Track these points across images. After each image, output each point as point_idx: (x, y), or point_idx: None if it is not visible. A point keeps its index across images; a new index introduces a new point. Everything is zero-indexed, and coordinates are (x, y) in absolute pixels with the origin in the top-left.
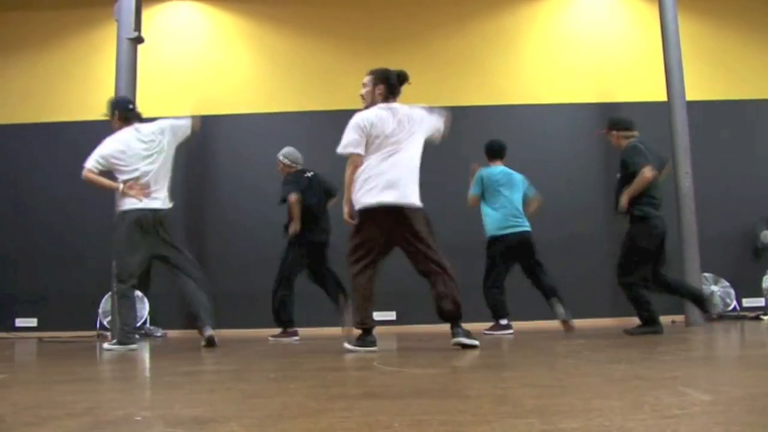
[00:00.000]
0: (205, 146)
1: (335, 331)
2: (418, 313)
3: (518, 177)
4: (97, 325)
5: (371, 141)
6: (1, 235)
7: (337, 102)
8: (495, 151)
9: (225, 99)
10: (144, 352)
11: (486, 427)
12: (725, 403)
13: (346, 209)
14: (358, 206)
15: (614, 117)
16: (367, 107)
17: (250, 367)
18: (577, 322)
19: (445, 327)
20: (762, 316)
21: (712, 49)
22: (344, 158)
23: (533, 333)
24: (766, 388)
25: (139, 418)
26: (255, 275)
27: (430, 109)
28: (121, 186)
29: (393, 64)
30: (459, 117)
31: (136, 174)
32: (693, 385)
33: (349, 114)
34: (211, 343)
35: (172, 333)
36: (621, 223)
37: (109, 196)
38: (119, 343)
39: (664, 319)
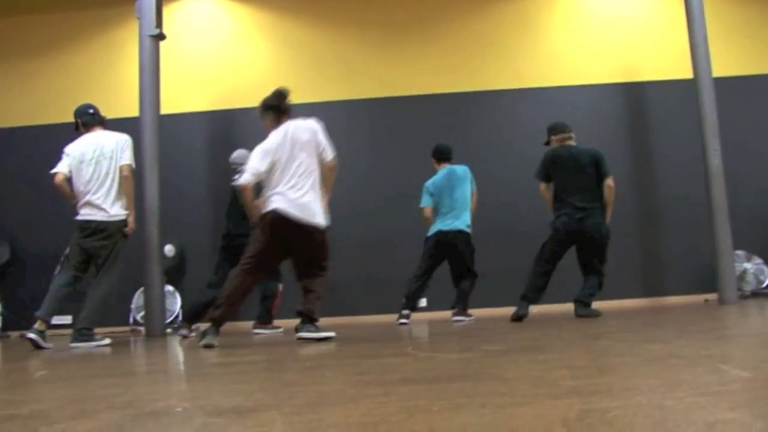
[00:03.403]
0: (228, 139)
1: (366, 319)
2: (449, 300)
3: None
4: (131, 321)
5: None
6: (32, 234)
7: (357, 91)
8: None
9: (246, 91)
10: (178, 345)
11: (526, 408)
12: (766, 380)
13: None
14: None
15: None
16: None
17: (284, 357)
18: (608, 304)
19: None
20: None
21: (738, 22)
22: (360, 145)
23: (564, 316)
24: None
25: (179, 409)
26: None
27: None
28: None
29: (412, 50)
30: (484, 101)
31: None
32: (730, 363)
33: (369, 102)
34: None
35: (204, 327)
36: (650, 203)
37: (138, 194)
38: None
39: (696, 298)
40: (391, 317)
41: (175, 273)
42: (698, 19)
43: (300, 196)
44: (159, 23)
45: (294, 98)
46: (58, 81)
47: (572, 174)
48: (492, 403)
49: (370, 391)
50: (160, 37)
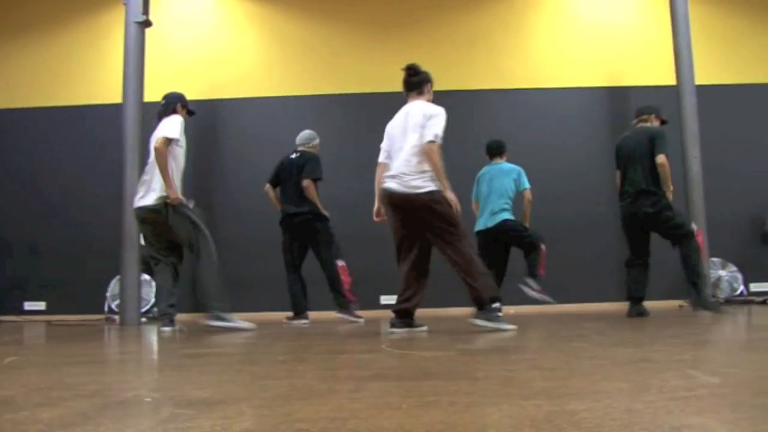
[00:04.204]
0: (213, 129)
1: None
2: (426, 297)
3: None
4: (105, 309)
5: None
6: (9, 220)
7: (345, 86)
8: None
9: (233, 82)
10: (152, 335)
11: (494, 408)
12: (733, 386)
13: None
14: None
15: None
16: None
17: (258, 350)
18: (584, 306)
19: (456, 310)
20: None
21: (723, 32)
22: (348, 139)
23: (540, 317)
24: None
25: (148, 400)
26: (263, 258)
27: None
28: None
29: (401, 48)
30: (468, 101)
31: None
32: (701, 368)
33: (357, 97)
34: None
35: (181, 316)
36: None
37: (117, 181)
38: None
39: (671, 304)
40: (373, 312)
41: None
42: (683, 27)
43: (398, 173)
44: (146, 10)
45: (281, 90)
46: (38, 63)
47: (628, 159)
48: (461, 402)
49: (342, 386)
50: (147, 23)
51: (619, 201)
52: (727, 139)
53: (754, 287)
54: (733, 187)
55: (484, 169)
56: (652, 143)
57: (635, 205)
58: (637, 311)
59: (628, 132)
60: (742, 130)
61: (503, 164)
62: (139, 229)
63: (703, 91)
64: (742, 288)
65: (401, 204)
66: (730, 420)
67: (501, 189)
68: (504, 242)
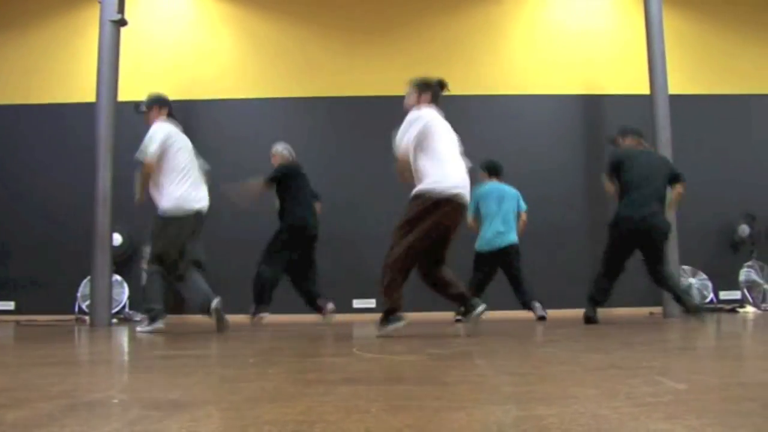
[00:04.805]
0: (186, 130)
1: (314, 318)
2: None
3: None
4: (76, 309)
5: None
6: None
7: (319, 89)
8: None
9: (207, 83)
10: (123, 336)
11: (462, 413)
12: (699, 392)
13: None
14: None
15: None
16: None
17: (229, 352)
18: (557, 312)
19: (423, 315)
20: (738, 309)
21: (697, 43)
22: (322, 143)
23: (510, 322)
24: (740, 378)
25: (116, 401)
26: (238, 259)
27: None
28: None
29: (377, 53)
30: (444, 106)
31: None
32: (668, 375)
33: (329, 101)
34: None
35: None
36: (601, 215)
37: (89, 180)
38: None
39: (641, 311)
40: (345, 316)
41: (124, 262)
42: (657, 36)
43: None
44: (121, 9)
45: (255, 93)
46: (13, 61)
47: (641, 176)
48: (430, 406)
49: (311, 389)
50: (122, 22)
51: (624, 211)
52: (698, 149)
53: (724, 295)
54: (703, 196)
55: (489, 187)
56: (670, 168)
57: (648, 223)
58: (595, 317)
59: (635, 149)
60: (713, 139)
61: (507, 187)
62: (185, 236)
63: (677, 100)
64: (711, 296)
65: (462, 211)
66: (696, 426)
67: (511, 212)
68: (503, 262)
